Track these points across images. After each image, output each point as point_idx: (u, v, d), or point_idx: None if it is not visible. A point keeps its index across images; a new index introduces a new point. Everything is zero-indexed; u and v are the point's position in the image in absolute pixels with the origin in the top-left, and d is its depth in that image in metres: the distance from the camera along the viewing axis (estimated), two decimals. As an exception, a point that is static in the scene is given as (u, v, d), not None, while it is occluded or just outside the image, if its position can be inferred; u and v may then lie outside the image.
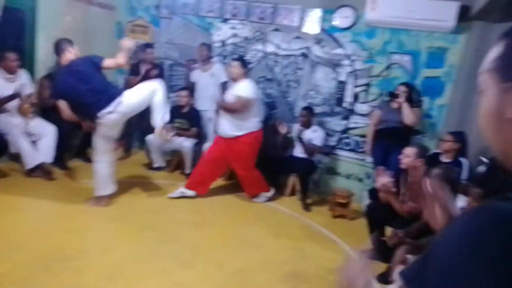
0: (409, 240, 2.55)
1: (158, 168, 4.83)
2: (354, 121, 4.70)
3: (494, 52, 0.58)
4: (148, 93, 3.40)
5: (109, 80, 3.40)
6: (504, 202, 0.48)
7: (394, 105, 4.07)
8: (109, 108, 3.22)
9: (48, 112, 4.27)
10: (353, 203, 4.25)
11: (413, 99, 4.15)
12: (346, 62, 4.62)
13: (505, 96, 0.55)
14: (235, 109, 3.84)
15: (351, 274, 0.84)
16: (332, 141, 4.80)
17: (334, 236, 3.70)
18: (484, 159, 3.07)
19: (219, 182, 4.62)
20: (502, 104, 0.55)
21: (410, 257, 2.46)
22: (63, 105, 3.71)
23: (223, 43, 5.09)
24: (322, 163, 4.81)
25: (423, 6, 3.94)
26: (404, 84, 4.11)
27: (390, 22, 4.18)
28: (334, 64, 4.67)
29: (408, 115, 3.93)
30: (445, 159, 3.47)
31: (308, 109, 4.53)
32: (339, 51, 4.62)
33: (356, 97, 4.65)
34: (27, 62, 4.41)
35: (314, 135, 4.43)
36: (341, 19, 4.53)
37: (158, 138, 3.59)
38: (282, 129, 4.44)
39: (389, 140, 4.03)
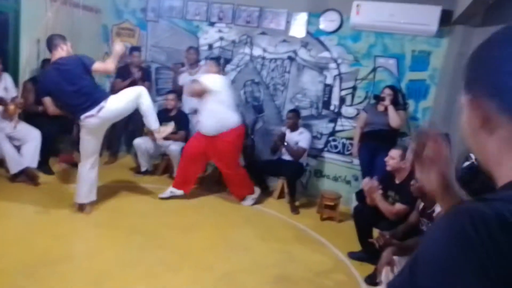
0: (395, 241, 2.58)
1: (146, 172, 4.80)
2: (341, 123, 4.74)
3: None
4: (132, 99, 3.36)
5: (96, 82, 3.34)
6: (482, 202, 0.49)
7: (380, 108, 4.12)
8: (91, 112, 3.17)
9: (32, 117, 4.22)
10: (341, 206, 4.29)
11: (399, 102, 4.21)
12: (332, 65, 4.67)
13: (469, 108, 0.60)
14: (191, 91, 3.97)
15: None
16: (320, 144, 4.84)
17: (322, 239, 3.73)
18: (472, 156, 3.13)
19: (207, 186, 4.61)
20: (469, 115, 0.60)
21: (397, 259, 2.49)
22: (48, 101, 3.68)
23: (210, 47, 5.10)
24: (309, 165, 4.85)
25: (406, 10, 4.01)
26: (390, 87, 4.17)
27: (374, 26, 4.24)
28: (321, 68, 4.72)
29: (394, 118, 3.99)
30: (430, 160, 3.53)
31: (295, 112, 4.56)
32: (325, 54, 4.67)
33: (342, 100, 4.70)
34: (10, 65, 4.35)
35: (300, 137, 4.46)
36: (326, 22, 4.58)
37: (160, 137, 3.64)
38: (279, 142, 4.48)
39: (375, 143, 4.09)
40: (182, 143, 4.74)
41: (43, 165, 4.29)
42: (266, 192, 4.73)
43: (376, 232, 3.06)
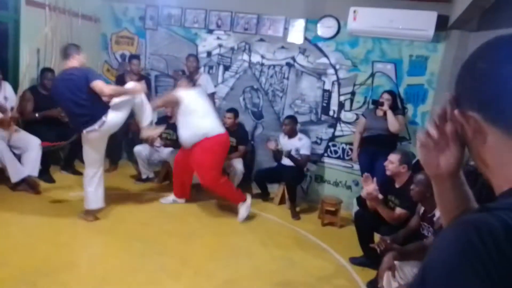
0: (396, 246, 2.58)
1: (146, 179, 4.81)
2: (341, 129, 4.76)
3: None
4: (128, 105, 3.41)
5: (96, 97, 3.32)
6: (486, 213, 0.50)
7: (379, 112, 4.14)
8: (94, 126, 3.23)
9: (31, 125, 4.23)
10: (342, 211, 4.29)
11: (397, 107, 4.24)
12: (330, 71, 4.70)
13: (462, 121, 0.62)
14: (161, 102, 4.00)
15: None
16: (320, 149, 4.85)
17: (324, 244, 3.73)
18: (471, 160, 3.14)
19: (208, 192, 4.62)
20: (463, 127, 0.63)
21: (398, 263, 2.50)
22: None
23: (209, 54, 5.13)
24: (310, 171, 4.86)
25: (403, 16, 4.05)
26: (388, 92, 4.19)
27: (372, 31, 4.27)
28: (319, 73, 4.74)
29: (392, 123, 4.01)
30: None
31: (291, 118, 4.57)
32: (323, 60, 4.70)
33: (341, 105, 4.72)
34: (10, 74, 4.38)
35: (300, 143, 4.47)
36: (324, 29, 4.62)
37: (147, 136, 3.63)
38: (271, 146, 4.47)
39: (374, 147, 4.10)
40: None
41: (44, 173, 4.30)
42: (266, 198, 4.74)
43: (377, 237, 3.07)
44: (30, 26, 4.36)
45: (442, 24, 4.00)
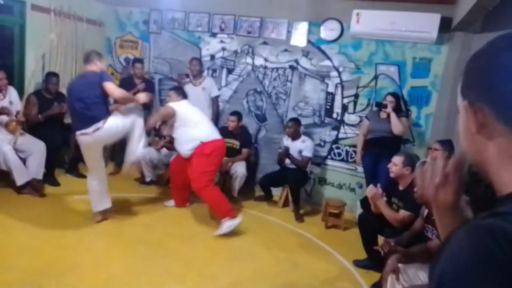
0: (400, 248, 2.57)
1: (150, 182, 4.82)
2: (344, 131, 4.76)
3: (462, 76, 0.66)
4: (128, 127, 3.40)
5: (103, 103, 3.35)
6: (498, 218, 0.50)
7: (383, 115, 4.14)
8: (87, 130, 3.22)
9: (36, 128, 4.27)
10: (346, 213, 4.28)
11: (401, 109, 4.23)
12: (334, 73, 4.70)
13: (467, 113, 0.61)
14: (159, 116, 3.80)
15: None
16: (323, 152, 4.85)
17: (327, 247, 3.72)
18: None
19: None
20: (467, 120, 0.61)
21: (402, 266, 2.48)
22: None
23: (212, 57, 5.15)
24: (313, 173, 4.85)
25: (406, 18, 4.05)
26: (392, 94, 4.18)
27: (375, 34, 4.27)
28: (322, 76, 4.75)
29: (396, 125, 4.00)
30: (434, 167, 3.53)
31: (295, 120, 4.57)
32: (326, 63, 4.71)
33: (345, 107, 4.72)
34: (16, 79, 4.42)
35: (304, 145, 4.47)
36: (327, 31, 4.62)
37: (126, 172, 3.58)
38: (284, 155, 4.45)
39: (378, 150, 4.09)
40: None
41: (49, 176, 4.33)
42: (270, 201, 4.74)
43: (381, 239, 3.06)
44: (35, 31, 4.40)
45: (445, 26, 3.99)
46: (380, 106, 4.16)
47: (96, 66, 3.37)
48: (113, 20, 5.47)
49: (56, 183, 4.40)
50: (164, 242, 3.41)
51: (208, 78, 5.03)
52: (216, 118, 5.00)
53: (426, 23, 3.99)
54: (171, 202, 4.25)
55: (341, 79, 4.68)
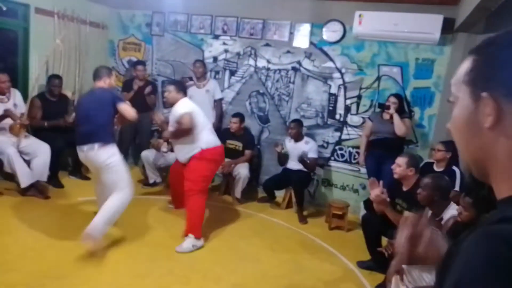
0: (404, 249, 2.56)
1: (154, 184, 4.83)
2: (347, 132, 4.76)
3: (464, 66, 0.62)
4: (117, 175, 3.23)
5: (109, 126, 3.31)
6: (510, 223, 0.49)
7: (385, 116, 4.13)
8: (84, 147, 3.18)
9: (41, 131, 4.29)
10: (349, 214, 4.28)
11: (404, 110, 4.22)
12: (336, 75, 4.70)
13: (479, 106, 0.57)
14: (185, 130, 3.44)
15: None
16: (326, 153, 4.85)
17: (331, 248, 3.72)
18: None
19: (214, 196, 4.63)
20: (476, 114, 0.58)
21: (406, 267, 2.48)
22: None
23: (215, 59, 5.16)
24: (317, 174, 4.85)
25: (409, 19, 4.04)
26: (394, 95, 4.18)
27: (377, 35, 4.27)
28: (325, 77, 4.75)
29: (399, 126, 3.99)
30: (438, 168, 3.53)
31: (297, 122, 4.58)
32: (329, 64, 4.71)
33: (348, 109, 4.72)
34: (20, 81, 4.44)
35: (307, 147, 4.47)
36: (329, 33, 4.63)
37: (84, 240, 3.06)
38: (278, 149, 4.50)
39: (381, 151, 4.09)
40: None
41: (53, 178, 4.35)
42: (273, 202, 4.74)
43: (384, 240, 3.05)
44: (39, 34, 4.43)
45: (448, 27, 3.99)
46: (383, 107, 4.16)
47: (105, 83, 3.33)
48: (116, 22, 5.50)
49: (60, 185, 4.41)
50: (168, 244, 3.41)
51: (211, 80, 5.04)
52: (219, 121, 5.01)
53: (428, 24, 3.99)
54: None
55: (343, 81, 4.69)
